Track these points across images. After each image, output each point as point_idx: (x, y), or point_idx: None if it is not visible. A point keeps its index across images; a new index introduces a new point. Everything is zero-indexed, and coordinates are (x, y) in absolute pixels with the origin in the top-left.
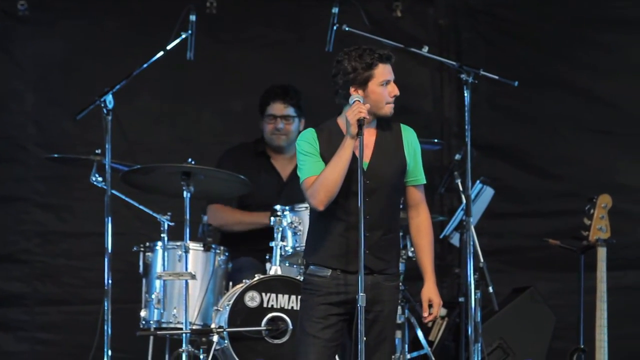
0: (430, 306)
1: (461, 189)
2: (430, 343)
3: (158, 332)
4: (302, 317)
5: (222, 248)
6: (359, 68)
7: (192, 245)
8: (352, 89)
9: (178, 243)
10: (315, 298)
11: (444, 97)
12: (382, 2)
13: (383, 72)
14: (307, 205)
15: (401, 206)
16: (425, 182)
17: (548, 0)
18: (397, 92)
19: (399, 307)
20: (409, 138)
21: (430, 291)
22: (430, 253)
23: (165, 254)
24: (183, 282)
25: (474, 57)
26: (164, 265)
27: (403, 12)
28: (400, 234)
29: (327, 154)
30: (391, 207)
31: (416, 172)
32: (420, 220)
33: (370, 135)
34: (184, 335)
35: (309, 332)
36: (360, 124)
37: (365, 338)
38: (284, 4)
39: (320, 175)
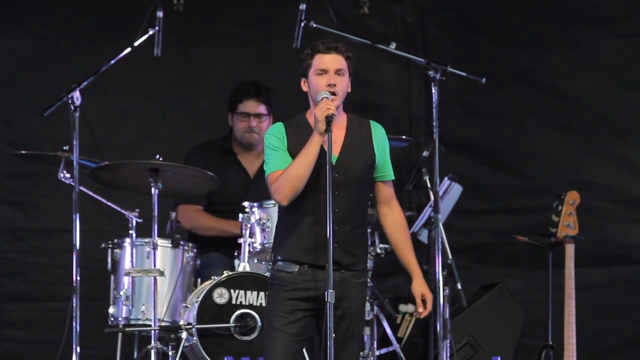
0: (423, 301)
1: (429, 185)
2: (399, 340)
3: (126, 329)
4: (269, 311)
5: (190, 245)
6: (303, 58)
7: (160, 241)
8: (302, 81)
9: (146, 240)
10: (282, 293)
11: (412, 94)
12: None
13: (320, 61)
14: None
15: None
16: (394, 178)
17: None
18: (332, 81)
19: (368, 304)
20: (378, 134)
21: (421, 286)
22: (411, 248)
23: (134, 250)
24: (151, 278)
25: (441, 54)
26: (132, 261)
27: (370, 9)
28: (369, 230)
29: (294, 149)
30: (359, 202)
31: (385, 168)
32: (395, 217)
33: (339, 130)
34: (152, 332)
35: (275, 326)
36: (329, 120)
37: (333, 334)
38: (252, 1)
39: (286, 171)
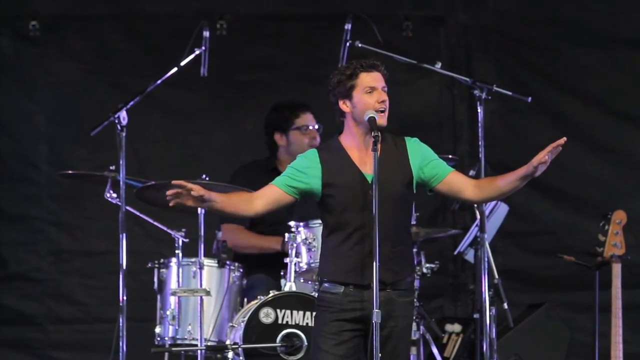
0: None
1: (475, 205)
2: (445, 359)
3: (173, 349)
4: (316, 333)
5: (236, 264)
6: (343, 79)
7: (206, 261)
8: (340, 102)
9: (192, 259)
10: (329, 314)
11: (456, 115)
12: (392, 22)
13: (366, 79)
14: (321, 221)
15: (414, 221)
16: (451, 169)
17: (556, 19)
18: (384, 97)
19: (414, 324)
20: (413, 147)
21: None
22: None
23: (180, 270)
24: (198, 298)
25: (484, 76)
26: (178, 281)
27: (413, 31)
28: (415, 249)
29: (330, 174)
30: (399, 219)
31: (435, 170)
32: (481, 182)
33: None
34: (199, 351)
35: (323, 348)
36: (375, 140)
37: (380, 354)
38: (293, 25)
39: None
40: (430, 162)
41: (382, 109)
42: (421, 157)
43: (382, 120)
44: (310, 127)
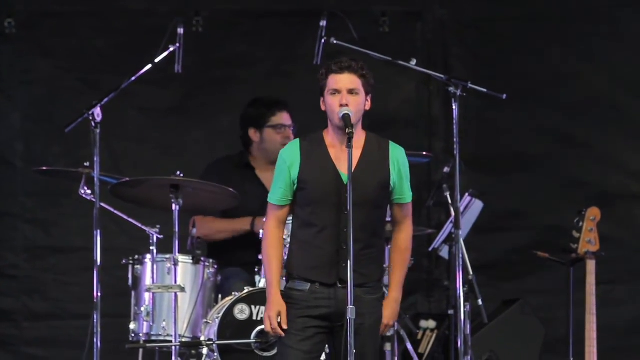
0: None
1: (450, 201)
2: (420, 355)
3: (147, 345)
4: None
5: (211, 261)
6: (319, 78)
7: (181, 258)
8: (321, 100)
9: (167, 256)
10: (294, 311)
11: (432, 111)
12: (369, 18)
13: (334, 81)
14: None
15: (389, 218)
16: (410, 200)
17: (534, 15)
18: (344, 101)
19: None
20: (396, 155)
21: (385, 310)
22: (401, 270)
23: (155, 266)
24: (172, 294)
25: (461, 71)
26: (153, 278)
27: (390, 27)
28: (389, 246)
29: (306, 164)
30: (371, 222)
31: (402, 191)
32: (399, 237)
33: (355, 148)
34: (173, 347)
35: (288, 344)
36: (350, 137)
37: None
38: (269, 21)
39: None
40: (402, 180)
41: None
42: (399, 170)
43: (337, 120)
44: (285, 127)
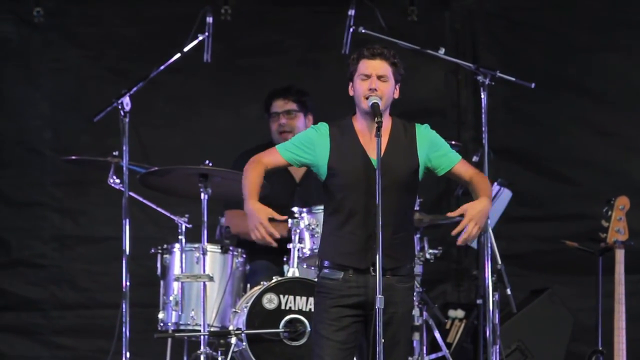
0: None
1: None
2: (448, 345)
3: (176, 334)
4: (316, 319)
5: (239, 250)
6: (349, 63)
7: (209, 247)
8: (349, 85)
9: (196, 245)
10: (328, 301)
11: (461, 101)
12: (397, 7)
13: (365, 66)
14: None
15: (417, 207)
16: (460, 157)
17: (563, 4)
18: (374, 86)
19: (417, 309)
20: (422, 135)
21: (469, 211)
22: (486, 186)
23: (183, 256)
24: (201, 284)
25: (490, 61)
26: (181, 267)
27: (419, 16)
28: (417, 235)
29: (337, 150)
30: (402, 206)
31: (443, 160)
32: (476, 180)
33: (384, 135)
34: (202, 337)
35: (323, 334)
36: (379, 126)
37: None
38: (298, 10)
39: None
40: (439, 150)
41: (372, 95)
42: (429, 145)
43: (365, 105)
44: (279, 114)
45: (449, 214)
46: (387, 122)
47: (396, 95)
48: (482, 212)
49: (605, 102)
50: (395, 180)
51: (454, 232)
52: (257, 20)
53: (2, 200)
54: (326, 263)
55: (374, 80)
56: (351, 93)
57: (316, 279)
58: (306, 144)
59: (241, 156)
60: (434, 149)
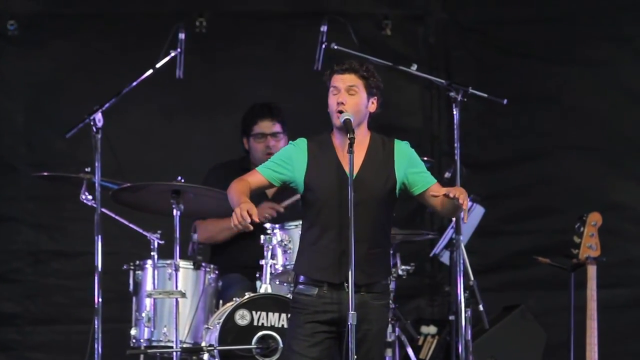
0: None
1: None
2: None
3: (148, 351)
4: (289, 335)
5: (212, 266)
6: (325, 80)
7: (182, 263)
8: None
9: (168, 261)
10: (302, 316)
11: (434, 115)
12: (371, 20)
13: (334, 80)
14: (297, 223)
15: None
16: (435, 180)
17: (537, 17)
18: (341, 99)
19: (390, 325)
20: (401, 149)
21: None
22: None
23: (155, 272)
24: (173, 300)
25: (464, 75)
26: (154, 283)
27: (393, 30)
28: (391, 251)
29: (314, 165)
30: (378, 222)
31: (419, 180)
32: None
33: (360, 150)
34: (174, 353)
35: (296, 350)
36: (351, 142)
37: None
38: (273, 24)
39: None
40: (416, 168)
41: (339, 111)
42: (407, 162)
43: (336, 120)
44: (267, 136)
45: (432, 193)
46: (364, 136)
47: (372, 109)
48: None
49: (579, 117)
50: (371, 195)
51: (451, 194)
52: (232, 33)
53: None
54: (301, 278)
55: (342, 94)
56: (329, 109)
57: (289, 295)
58: (284, 159)
59: (213, 170)
60: (411, 166)
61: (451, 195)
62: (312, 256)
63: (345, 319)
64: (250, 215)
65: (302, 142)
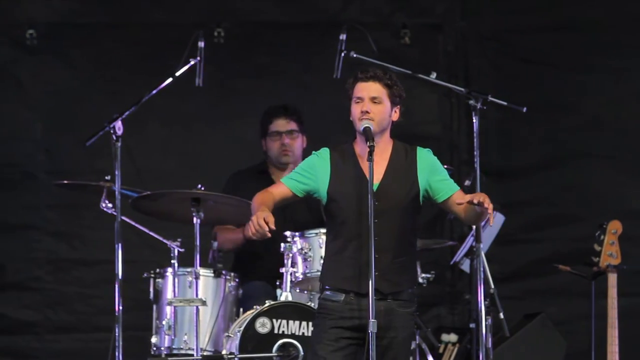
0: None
1: None
2: None
3: (169, 359)
4: (314, 339)
5: (232, 274)
6: (347, 87)
7: (202, 271)
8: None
9: (188, 269)
10: (328, 321)
11: (453, 123)
12: (390, 29)
13: (358, 89)
14: (317, 231)
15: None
16: (457, 187)
17: (556, 26)
18: (365, 108)
19: None
20: (423, 157)
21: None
22: None
23: (176, 280)
24: (194, 308)
25: (483, 83)
26: (174, 291)
27: (411, 39)
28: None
29: (336, 173)
30: (402, 230)
31: (442, 187)
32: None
33: (382, 159)
34: None
35: (320, 354)
36: (370, 150)
37: None
38: (291, 33)
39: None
40: (439, 175)
41: (365, 119)
42: (429, 169)
43: (359, 129)
44: (282, 134)
45: (458, 201)
46: (386, 145)
47: (395, 118)
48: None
49: (599, 125)
50: (394, 204)
51: (475, 199)
52: (250, 43)
53: None
54: (327, 286)
55: (366, 103)
56: (351, 116)
57: (310, 304)
58: (307, 169)
59: (231, 177)
60: (434, 174)
61: (475, 200)
62: (337, 266)
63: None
64: (267, 223)
65: (325, 152)
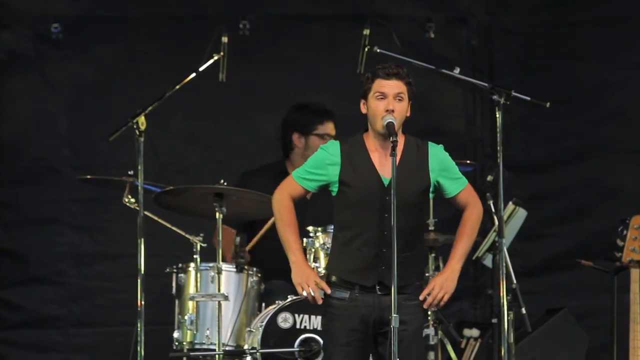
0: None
1: (493, 210)
2: None
3: (191, 353)
4: (327, 343)
5: (254, 269)
6: (364, 81)
7: (224, 266)
8: (361, 102)
9: (211, 264)
10: (337, 324)
11: (477, 118)
12: (415, 23)
13: (380, 85)
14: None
15: (432, 227)
16: (466, 183)
17: (580, 20)
18: (391, 107)
19: (432, 328)
20: (435, 153)
21: (438, 278)
22: (465, 241)
23: (198, 275)
24: (216, 303)
25: (507, 77)
26: (196, 286)
27: (436, 33)
28: (433, 255)
29: (347, 166)
30: (409, 225)
31: (450, 185)
32: (465, 213)
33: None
34: (217, 356)
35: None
36: (394, 145)
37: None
38: (316, 26)
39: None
40: (449, 172)
41: (389, 116)
42: (440, 166)
43: (380, 124)
44: (331, 137)
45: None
46: (400, 140)
47: (408, 113)
48: (447, 279)
49: (622, 119)
50: (404, 199)
51: (421, 296)
52: (275, 36)
53: (20, 218)
54: (333, 279)
55: (391, 101)
56: (364, 111)
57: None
58: (317, 165)
59: (245, 175)
60: (444, 171)
61: (425, 292)
62: (345, 258)
63: (379, 321)
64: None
65: (332, 145)
